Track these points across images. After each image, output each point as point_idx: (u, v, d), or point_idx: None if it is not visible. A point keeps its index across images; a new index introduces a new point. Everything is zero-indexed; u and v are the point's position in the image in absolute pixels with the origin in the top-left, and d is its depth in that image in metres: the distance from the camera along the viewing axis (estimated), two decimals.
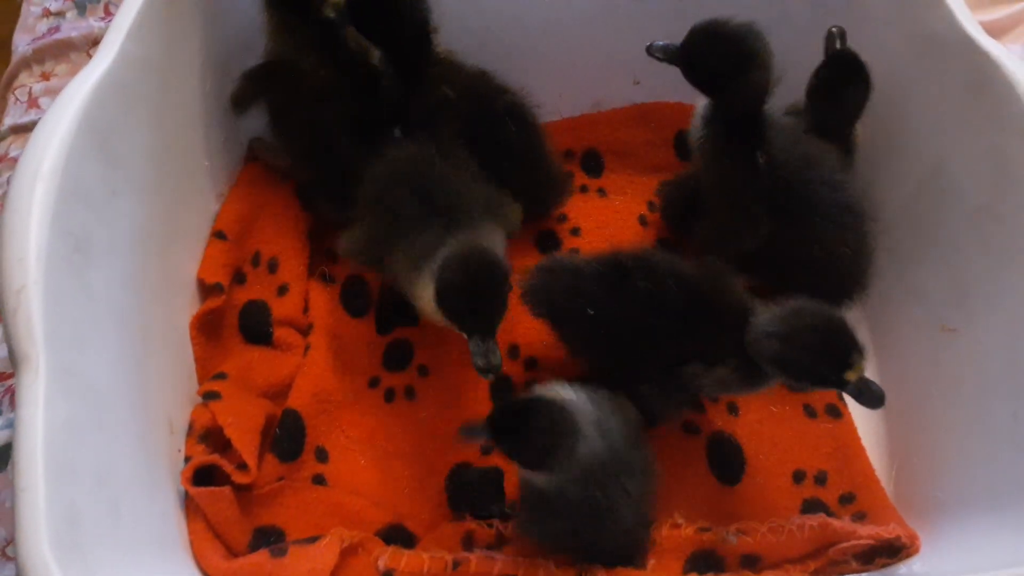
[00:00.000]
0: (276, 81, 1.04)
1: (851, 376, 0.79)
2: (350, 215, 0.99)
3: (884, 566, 0.88)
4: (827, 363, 0.80)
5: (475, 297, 0.82)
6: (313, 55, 1.01)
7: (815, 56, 1.14)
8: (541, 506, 0.83)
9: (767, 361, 0.82)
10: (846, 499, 0.98)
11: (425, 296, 0.87)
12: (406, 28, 0.99)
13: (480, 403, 1.03)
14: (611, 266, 0.89)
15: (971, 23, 0.93)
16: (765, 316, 0.83)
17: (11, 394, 1.06)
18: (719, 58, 0.88)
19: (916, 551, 0.89)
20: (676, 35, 1.17)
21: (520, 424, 0.76)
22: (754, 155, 0.91)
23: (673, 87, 1.21)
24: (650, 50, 0.89)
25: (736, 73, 0.88)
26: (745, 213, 0.93)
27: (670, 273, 0.87)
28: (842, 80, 0.97)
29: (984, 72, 0.91)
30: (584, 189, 1.22)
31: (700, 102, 0.96)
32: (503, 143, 1.03)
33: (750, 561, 0.88)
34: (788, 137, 0.94)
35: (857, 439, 1.02)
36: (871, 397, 0.80)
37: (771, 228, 0.93)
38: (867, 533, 0.88)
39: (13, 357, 0.69)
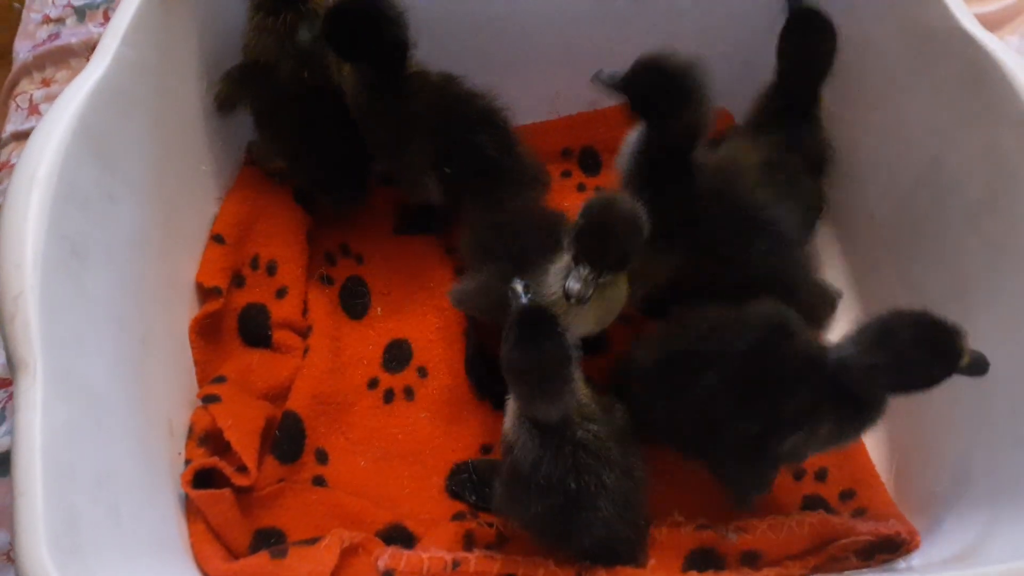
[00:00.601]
0: (258, 82, 1.04)
1: (966, 359, 0.77)
2: (353, 206, 0.98)
3: (884, 562, 0.88)
4: (942, 362, 0.77)
5: (608, 227, 0.81)
6: (290, 61, 1.02)
7: None
8: (516, 486, 0.83)
9: (878, 388, 0.81)
10: (846, 495, 0.98)
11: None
12: (385, 47, 0.98)
13: (480, 403, 1.03)
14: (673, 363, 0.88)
15: (966, 16, 0.93)
16: (848, 348, 0.80)
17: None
18: (659, 92, 0.88)
19: (916, 547, 0.89)
20: (673, 34, 1.17)
21: None
22: (676, 188, 0.91)
23: None
24: (596, 77, 0.90)
25: (673, 109, 0.88)
26: (662, 242, 0.87)
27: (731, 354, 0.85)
28: (807, 36, 0.98)
29: (980, 66, 0.90)
30: (582, 188, 1.22)
31: (630, 134, 0.96)
32: (478, 150, 1.03)
33: (750, 558, 0.88)
34: (714, 175, 0.93)
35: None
36: (982, 367, 0.78)
37: (687, 260, 0.93)
38: (867, 529, 0.88)
39: (11, 362, 0.69)
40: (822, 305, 0.95)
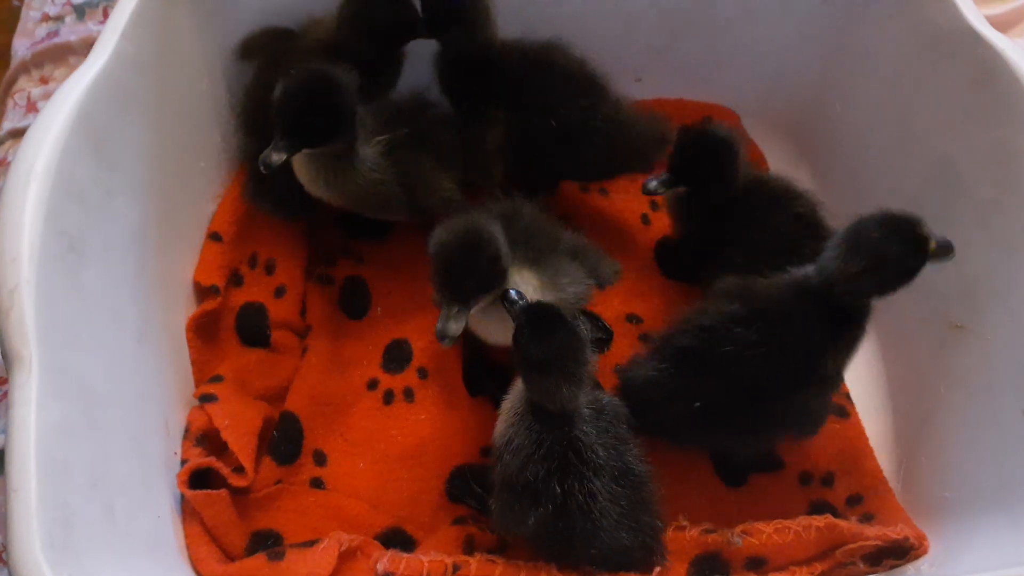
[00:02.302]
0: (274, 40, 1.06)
1: (933, 245, 0.82)
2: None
3: (892, 567, 0.87)
4: (914, 250, 0.82)
5: (450, 263, 0.83)
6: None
7: (819, 52, 1.14)
8: (508, 495, 0.82)
9: (864, 290, 0.85)
10: (853, 500, 0.97)
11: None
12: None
13: (480, 404, 1.02)
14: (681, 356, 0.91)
15: (976, 17, 0.93)
16: (829, 264, 0.85)
17: None
18: (706, 172, 0.99)
19: (924, 552, 0.88)
20: (676, 32, 1.17)
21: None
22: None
23: (674, 84, 1.21)
24: (647, 190, 1.00)
25: (720, 177, 0.99)
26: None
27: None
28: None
29: (989, 66, 0.90)
30: (585, 188, 1.21)
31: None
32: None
33: (756, 563, 0.87)
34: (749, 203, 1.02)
35: (864, 439, 1.01)
36: (948, 249, 0.83)
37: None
38: (874, 534, 0.87)
39: (6, 357, 0.69)
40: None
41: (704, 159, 0.98)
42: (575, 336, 0.78)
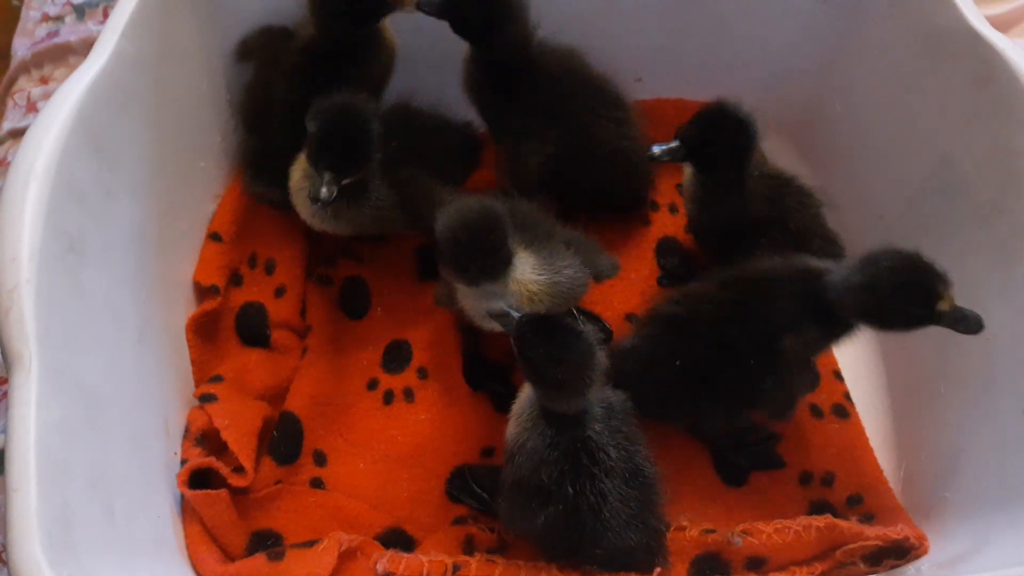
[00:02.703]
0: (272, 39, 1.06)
1: (944, 306, 0.79)
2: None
3: (892, 567, 0.87)
4: (915, 302, 0.80)
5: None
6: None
7: (819, 52, 1.14)
8: (519, 495, 0.82)
9: (852, 313, 0.84)
10: (854, 500, 0.97)
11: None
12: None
13: (480, 404, 1.02)
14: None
15: (976, 17, 0.93)
16: (842, 270, 0.84)
17: None
18: (720, 145, 0.96)
19: (924, 552, 0.88)
20: (678, 31, 1.17)
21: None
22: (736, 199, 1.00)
23: (675, 84, 1.21)
24: (654, 157, 0.96)
25: (732, 152, 0.97)
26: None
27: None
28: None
29: (990, 65, 0.90)
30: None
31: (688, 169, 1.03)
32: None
33: (756, 563, 0.87)
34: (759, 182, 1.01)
35: (864, 439, 1.01)
36: (969, 323, 0.80)
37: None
38: (875, 534, 0.87)
39: (6, 357, 0.68)
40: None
41: (719, 134, 0.95)
42: (586, 345, 0.77)
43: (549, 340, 0.77)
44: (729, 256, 0.97)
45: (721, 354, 0.89)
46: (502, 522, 0.89)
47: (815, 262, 0.89)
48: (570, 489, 0.79)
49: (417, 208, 0.99)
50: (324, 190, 0.89)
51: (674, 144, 0.95)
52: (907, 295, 0.80)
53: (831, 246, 1.01)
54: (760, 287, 0.89)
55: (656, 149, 0.96)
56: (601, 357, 0.78)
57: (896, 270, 0.80)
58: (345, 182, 0.91)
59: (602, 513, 0.80)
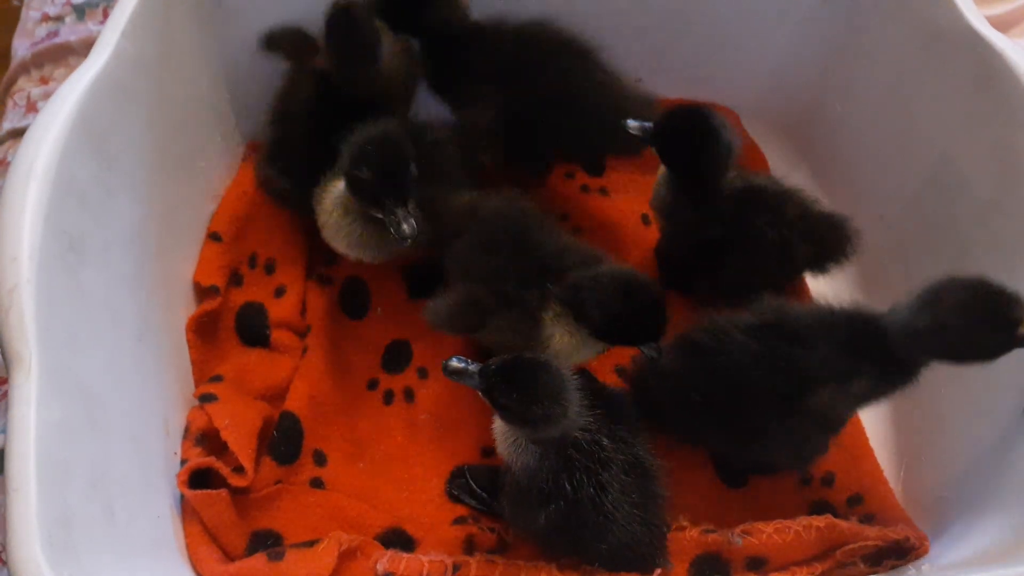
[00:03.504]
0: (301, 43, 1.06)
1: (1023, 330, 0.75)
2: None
3: (893, 567, 0.87)
4: (994, 331, 0.75)
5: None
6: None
7: (819, 52, 1.14)
8: (520, 497, 0.82)
9: (928, 355, 0.79)
10: (854, 500, 0.97)
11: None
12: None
13: (480, 405, 1.02)
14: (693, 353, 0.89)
15: (976, 17, 0.93)
16: (903, 308, 0.80)
17: None
18: (686, 151, 0.94)
19: (924, 552, 0.88)
20: (677, 32, 1.17)
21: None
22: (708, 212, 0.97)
23: (674, 84, 1.21)
24: (627, 127, 0.94)
25: (702, 158, 0.93)
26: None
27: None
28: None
29: (990, 66, 0.90)
30: (585, 189, 1.21)
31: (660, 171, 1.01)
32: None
33: (756, 563, 0.87)
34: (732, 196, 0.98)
35: (865, 439, 1.01)
36: None
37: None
38: (875, 534, 0.87)
39: (6, 357, 0.68)
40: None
41: (686, 136, 0.93)
42: (556, 374, 0.76)
43: (519, 382, 0.76)
44: (692, 283, 0.98)
45: (740, 396, 0.86)
46: (508, 522, 0.90)
47: (864, 308, 0.85)
48: (568, 487, 0.79)
49: (442, 225, 0.98)
50: (406, 226, 0.87)
51: (647, 124, 0.94)
52: (986, 329, 0.75)
53: (826, 252, 0.99)
54: (797, 334, 0.84)
55: (631, 123, 0.94)
56: (570, 378, 0.77)
57: (968, 307, 0.76)
58: (411, 206, 0.90)
59: (604, 505, 0.80)
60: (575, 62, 1.05)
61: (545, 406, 0.75)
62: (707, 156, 0.93)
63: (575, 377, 0.78)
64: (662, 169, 1.01)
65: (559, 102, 1.03)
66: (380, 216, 0.89)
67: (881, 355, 0.81)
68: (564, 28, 1.05)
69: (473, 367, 0.78)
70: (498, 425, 0.84)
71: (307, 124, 1.02)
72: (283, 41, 1.06)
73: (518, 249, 0.91)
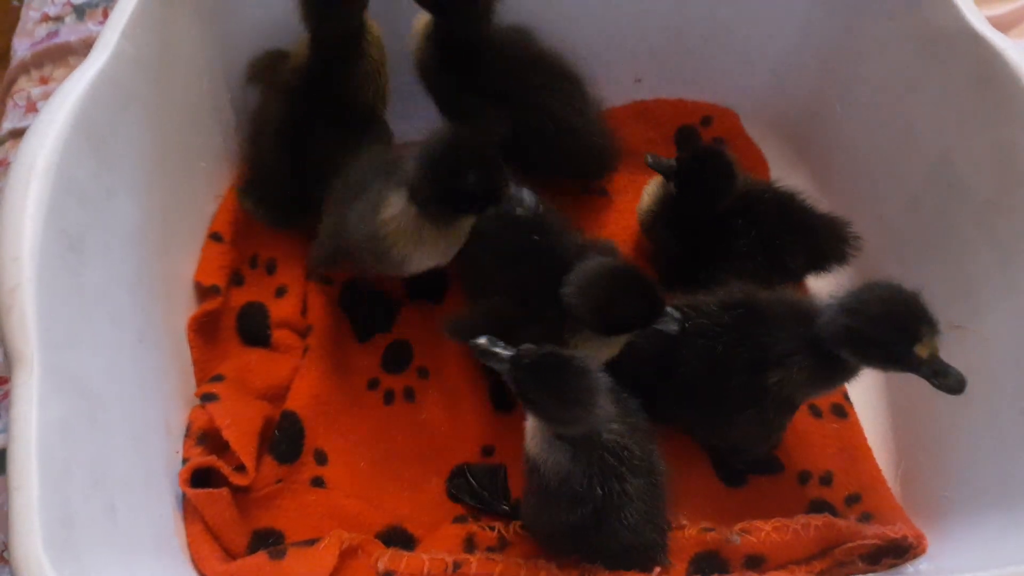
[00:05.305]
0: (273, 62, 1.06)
1: (922, 351, 0.76)
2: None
3: (891, 566, 0.87)
4: (893, 333, 0.77)
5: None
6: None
7: (819, 52, 1.14)
8: (546, 499, 0.82)
9: (835, 339, 0.81)
10: (852, 499, 0.97)
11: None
12: None
13: (481, 404, 1.02)
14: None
15: (977, 17, 0.93)
16: (837, 299, 0.82)
17: None
18: (711, 189, 1.00)
19: (923, 551, 0.88)
20: (677, 32, 1.17)
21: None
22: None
23: (674, 85, 1.21)
24: (648, 162, 1.01)
25: (718, 198, 1.00)
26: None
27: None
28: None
29: (990, 65, 0.90)
30: (585, 188, 1.21)
31: (649, 188, 1.07)
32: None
33: (755, 562, 0.87)
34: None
35: (863, 439, 1.01)
36: (949, 381, 0.76)
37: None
38: (873, 533, 0.87)
39: (7, 356, 0.68)
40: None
41: (712, 176, 0.99)
42: (586, 375, 0.75)
43: (550, 382, 0.75)
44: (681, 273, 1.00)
45: (708, 371, 0.88)
46: (521, 519, 0.90)
47: (819, 300, 0.87)
48: (600, 491, 0.79)
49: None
50: (528, 198, 0.89)
51: (671, 163, 1.00)
52: (886, 326, 0.78)
53: (825, 256, 1.02)
54: (761, 316, 0.87)
55: (650, 158, 1.01)
56: (603, 379, 0.76)
57: (882, 299, 0.79)
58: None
59: (625, 510, 0.80)
60: (575, 88, 1.07)
61: (575, 408, 0.75)
62: (724, 196, 1.00)
63: (604, 375, 0.77)
64: (650, 188, 1.06)
65: (558, 126, 1.04)
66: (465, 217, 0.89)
67: (814, 346, 0.84)
68: (562, 54, 1.07)
69: (505, 352, 0.76)
70: (529, 424, 0.82)
71: (278, 147, 1.03)
72: (262, 67, 1.07)
73: (538, 257, 0.91)
